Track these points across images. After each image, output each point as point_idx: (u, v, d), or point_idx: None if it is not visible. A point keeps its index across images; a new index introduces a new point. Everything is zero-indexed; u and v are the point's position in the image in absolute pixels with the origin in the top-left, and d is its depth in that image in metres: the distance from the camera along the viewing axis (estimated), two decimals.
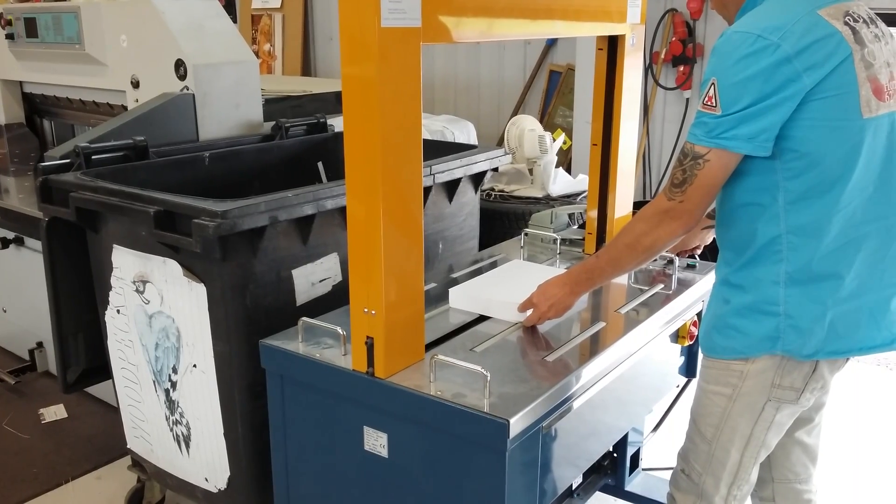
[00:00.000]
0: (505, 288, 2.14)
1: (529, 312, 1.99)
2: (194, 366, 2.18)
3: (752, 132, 1.56)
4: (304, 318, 1.92)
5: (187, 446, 2.32)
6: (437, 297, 2.19)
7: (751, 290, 1.70)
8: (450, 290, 2.16)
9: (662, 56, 5.06)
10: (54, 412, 3.43)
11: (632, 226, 1.78)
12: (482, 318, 2.06)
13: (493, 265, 2.49)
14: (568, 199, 3.93)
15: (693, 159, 1.62)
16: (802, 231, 1.64)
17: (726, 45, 1.59)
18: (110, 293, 2.37)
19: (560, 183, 4.01)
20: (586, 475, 2.61)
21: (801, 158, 1.59)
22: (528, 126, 4.05)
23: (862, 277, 1.69)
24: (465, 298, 2.12)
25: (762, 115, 1.54)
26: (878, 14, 1.71)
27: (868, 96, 1.59)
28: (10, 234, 3.42)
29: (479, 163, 2.76)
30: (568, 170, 5.01)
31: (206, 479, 2.32)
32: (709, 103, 1.59)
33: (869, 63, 1.60)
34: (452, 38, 1.74)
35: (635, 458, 2.71)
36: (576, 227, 2.82)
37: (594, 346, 1.92)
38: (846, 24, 1.59)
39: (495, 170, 2.88)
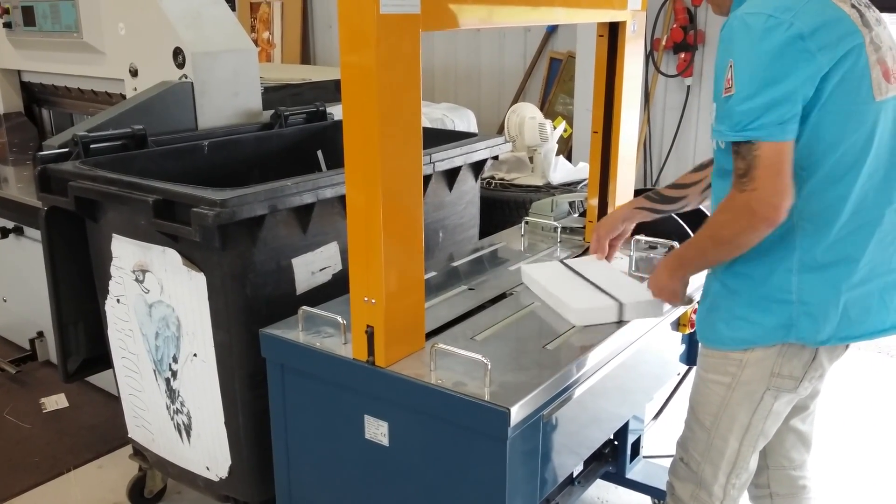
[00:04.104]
0: (569, 281, 2.13)
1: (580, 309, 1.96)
2: (194, 355, 2.18)
3: (780, 118, 1.51)
4: (304, 307, 1.92)
5: (188, 435, 2.32)
6: (438, 286, 2.19)
7: (762, 280, 1.69)
8: (522, 266, 2.21)
9: (663, 43, 5.04)
10: (55, 401, 3.44)
11: (715, 216, 1.69)
12: (483, 307, 2.06)
13: (494, 253, 2.49)
14: (568, 187, 3.92)
15: (747, 142, 1.55)
16: (817, 217, 1.62)
17: (738, 27, 1.56)
18: (110, 282, 2.37)
19: (560, 171, 4.00)
20: (587, 463, 2.61)
21: (818, 145, 1.57)
22: (528, 114, 4.04)
23: (874, 261, 1.68)
24: (532, 281, 2.14)
25: (786, 100, 1.51)
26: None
27: (879, 79, 1.58)
28: (10, 224, 3.41)
29: (480, 151, 2.75)
30: (568, 158, 5.00)
31: (208, 468, 2.32)
32: (727, 87, 1.55)
33: (877, 46, 1.59)
34: (452, 24, 1.72)
35: (636, 446, 2.72)
36: (576, 215, 2.81)
37: (595, 335, 1.92)
38: (853, 6, 1.58)
39: (495, 158, 2.88)
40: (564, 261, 2.28)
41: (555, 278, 2.13)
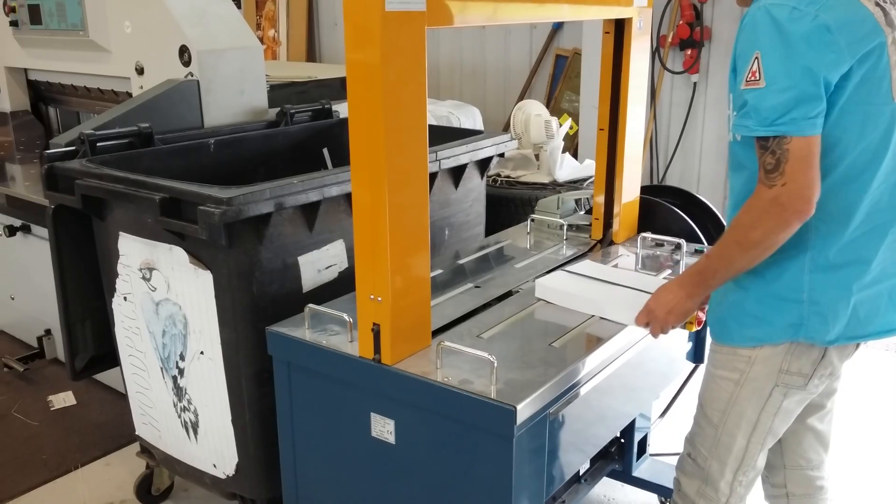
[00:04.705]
0: (593, 285, 2.11)
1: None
2: (201, 353, 2.19)
3: (811, 111, 1.50)
4: (311, 305, 1.92)
5: (195, 433, 2.33)
6: (444, 284, 2.18)
7: (773, 278, 1.68)
8: (536, 281, 2.12)
9: (670, 40, 5.02)
10: (63, 399, 3.45)
11: (738, 219, 1.63)
12: (489, 305, 2.06)
13: (500, 251, 2.49)
14: (574, 184, 3.91)
15: (776, 137, 1.53)
16: (831, 218, 1.61)
17: (762, 19, 1.54)
18: (117, 280, 2.37)
19: (566, 168, 3.99)
20: (594, 461, 2.61)
21: (835, 146, 1.56)
22: (534, 111, 4.03)
23: (885, 262, 1.67)
24: (552, 292, 2.08)
25: (816, 93, 1.49)
26: None
27: None
28: (17, 222, 3.43)
29: (485, 148, 2.75)
30: (574, 155, 4.99)
31: (215, 466, 2.33)
32: (752, 78, 1.52)
33: None
34: (457, 21, 1.72)
35: (643, 444, 2.72)
36: (582, 212, 2.80)
37: (601, 333, 1.91)
38: (877, 4, 1.56)
39: (501, 155, 2.87)
40: (569, 269, 2.23)
41: (585, 286, 2.09)
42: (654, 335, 1.88)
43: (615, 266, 2.31)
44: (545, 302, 2.08)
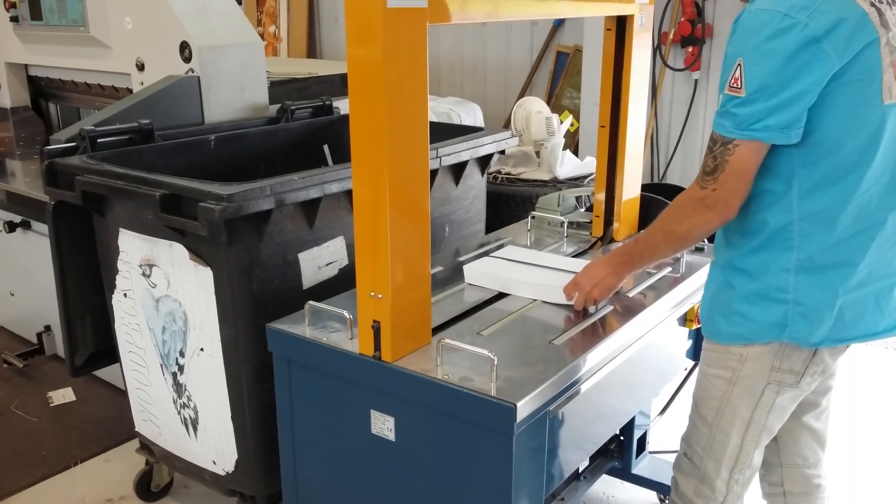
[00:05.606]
0: (521, 267, 2.18)
1: (544, 288, 2.00)
2: (201, 349, 2.19)
3: (786, 121, 1.51)
4: (311, 302, 1.92)
5: (195, 429, 2.33)
6: (444, 281, 2.18)
7: (758, 276, 1.68)
8: (464, 266, 2.18)
9: (671, 37, 5.02)
10: (62, 395, 3.45)
11: (668, 212, 1.75)
12: (489, 302, 2.06)
13: (500, 248, 2.48)
14: (575, 181, 3.91)
15: (723, 145, 1.57)
16: (816, 219, 1.61)
17: (751, 23, 1.54)
18: (117, 277, 2.37)
19: (567, 165, 3.99)
20: (593, 458, 2.61)
21: (820, 145, 1.55)
22: (535, 108, 4.02)
23: (873, 265, 1.67)
24: (481, 275, 2.15)
25: (794, 103, 1.50)
26: None
27: (890, 82, 1.55)
28: (17, 218, 3.42)
29: (486, 145, 2.75)
30: (575, 152, 4.99)
31: (214, 462, 2.33)
32: (734, 85, 1.54)
33: (893, 47, 1.55)
34: (459, 18, 1.72)
35: (642, 442, 2.72)
36: (583, 209, 2.79)
37: (601, 330, 1.91)
38: (872, 4, 1.55)
39: (502, 152, 2.87)
40: (496, 255, 2.32)
41: (513, 269, 2.17)
42: (578, 307, 1.98)
43: (538, 250, 2.42)
44: (474, 285, 2.15)
